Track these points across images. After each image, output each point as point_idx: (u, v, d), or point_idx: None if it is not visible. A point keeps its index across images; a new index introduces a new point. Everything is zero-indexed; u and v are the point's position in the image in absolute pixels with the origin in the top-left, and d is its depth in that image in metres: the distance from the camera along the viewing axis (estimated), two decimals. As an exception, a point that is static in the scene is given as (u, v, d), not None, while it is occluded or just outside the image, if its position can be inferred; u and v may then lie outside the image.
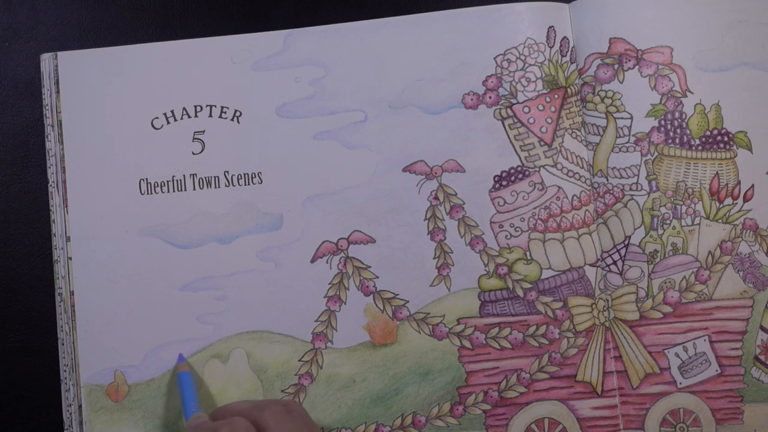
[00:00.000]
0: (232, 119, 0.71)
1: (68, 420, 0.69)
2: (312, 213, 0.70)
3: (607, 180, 0.70)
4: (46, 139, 0.71)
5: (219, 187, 0.71)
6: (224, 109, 0.71)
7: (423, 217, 0.70)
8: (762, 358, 0.69)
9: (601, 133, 0.70)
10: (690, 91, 0.70)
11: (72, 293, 0.69)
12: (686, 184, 0.70)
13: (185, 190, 0.70)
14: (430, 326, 0.70)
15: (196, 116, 0.71)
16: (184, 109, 0.71)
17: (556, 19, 0.71)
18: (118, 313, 0.69)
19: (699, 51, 0.70)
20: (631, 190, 0.70)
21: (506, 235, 0.70)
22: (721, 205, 0.70)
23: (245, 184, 0.71)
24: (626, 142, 0.70)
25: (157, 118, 0.71)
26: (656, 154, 0.70)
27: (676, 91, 0.70)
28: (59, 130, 0.71)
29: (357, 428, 0.69)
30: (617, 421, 0.69)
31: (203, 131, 0.71)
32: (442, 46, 0.71)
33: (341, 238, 0.70)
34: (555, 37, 0.71)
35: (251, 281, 0.70)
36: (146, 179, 0.70)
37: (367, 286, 0.70)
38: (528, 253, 0.70)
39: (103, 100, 0.71)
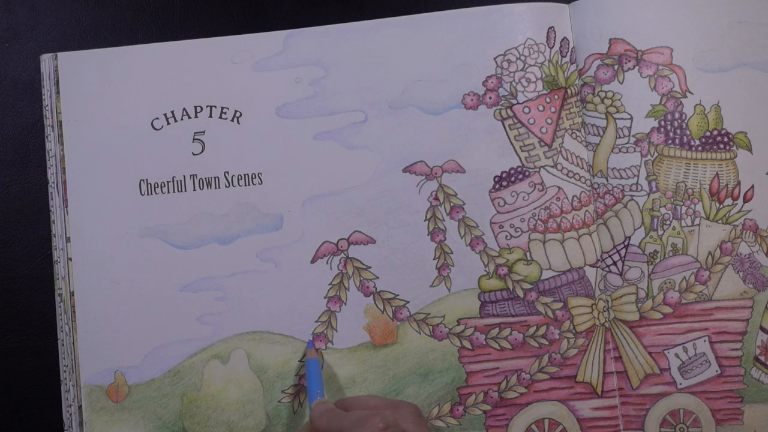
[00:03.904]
0: (233, 120, 0.71)
1: (68, 420, 0.69)
2: (312, 213, 0.70)
3: (607, 180, 0.70)
4: (46, 140, 0.71)
5: (219, 187, 0.70)
6: (224, 110, 0.71)
7: (423, 218, 0.70)
8: (762, 358, 0.69)
9: (601, 133, 0.70)
10: (690, 92, 0.70)
11: (72, 294, 0.69)
12: (686, 185, 0.70)
13: (185, 190, 0.70)
14: (431, 327, 0.70)
15: (196, 117, 0.71)
16: (184, 109, 0.71)
17: (556, 20, 0.71)
18: (118, 313, 0.69)
19: (699, 51, 0.70)
20: (631, 190, 0.70)
21: (506, 236, 0.70)
22: (721, 206, 0.70)
23: (245, 185, 0.71)
24: (626, 143, 0.70)
25: (157, 118, 0.71)
26: (656, 154, 0.70)
27: (676, 91, 0.70)
28: (59, 130, 0.71)
29: (357, 429, 0.69)
30: (617, 421, 0.69)
31: (203, 132, 0.71)
32: (442, 47, 0.71)
33: (341, 239, 0.70)
34: (555, 37, 0.71)
35: (251, 282, 0.70)
36: (146, 180, 0.70)
37: (368, 287, 0.70)
38: (528, 253, 0.70)
39: (103, 101, 0.71)
